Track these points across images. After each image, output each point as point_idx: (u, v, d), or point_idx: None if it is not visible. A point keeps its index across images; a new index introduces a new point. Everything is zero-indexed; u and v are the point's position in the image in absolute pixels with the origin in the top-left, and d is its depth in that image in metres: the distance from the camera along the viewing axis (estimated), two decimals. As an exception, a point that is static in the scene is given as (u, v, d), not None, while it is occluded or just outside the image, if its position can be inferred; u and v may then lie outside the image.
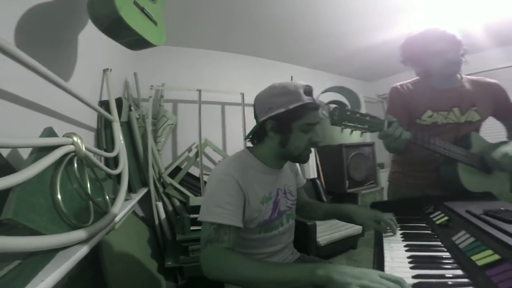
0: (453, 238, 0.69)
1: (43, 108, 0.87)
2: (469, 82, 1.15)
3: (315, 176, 2.82)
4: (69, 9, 1.03)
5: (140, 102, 2.25)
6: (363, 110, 3.06)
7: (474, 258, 0.57)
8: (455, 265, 0.60)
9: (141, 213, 2.05)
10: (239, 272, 0.61)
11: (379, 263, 0.64)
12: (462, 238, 0.66)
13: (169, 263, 1.62)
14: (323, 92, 3.10)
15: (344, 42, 2.78)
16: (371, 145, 2.93)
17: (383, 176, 3.14)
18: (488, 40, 2.65)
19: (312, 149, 0.87)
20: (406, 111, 1.16)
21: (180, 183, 2.35)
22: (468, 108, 1.10)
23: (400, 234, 0.82)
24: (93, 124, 1.47)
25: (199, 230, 1.68)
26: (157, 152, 2.29)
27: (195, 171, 2.55)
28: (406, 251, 0.70)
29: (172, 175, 2.37)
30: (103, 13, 0.84)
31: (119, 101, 1.65)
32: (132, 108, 1.99)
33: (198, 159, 2.47)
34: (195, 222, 1.68)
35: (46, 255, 0.57)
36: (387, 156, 3.54)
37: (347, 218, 0.96)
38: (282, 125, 0.79)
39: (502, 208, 0.74)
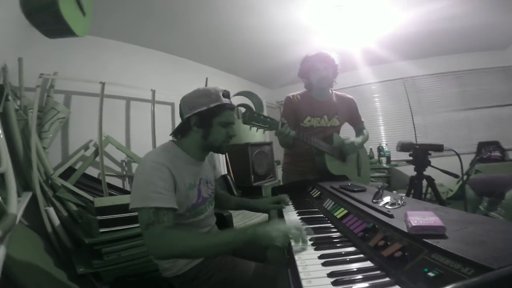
0: (324, 204, 1.04)
1: None
2: (335, 96, 1.64)
3: (225, 172, 3.05)
4: None
5: (22, 92, 1.86)
6: (265, 114, 3.53)
7: (335, 214, 0.90)
8: (326, 220, 0.93)
9: (25, 222, 1.69)
10: (185, 244, 0.73)
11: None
12: (328, 203, 1.01)
13: (81, 269, 1.46)
14: (234, 95, 3.39)
15: (259, 52, 3.17)
16: (270, 144, 3.43)
17: (280, 171, 3.72)
18: (362, 60, 3.56)
19: (230, 142, 1.06)
20: (294, 116, 1.54)
21: (74, 185, 2.05)
22: (332, 116, 1.57)
23: (293, 206, 1.14)
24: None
25: (109, 232, 1.61)
26: (42, 150, 1.93)
27: (92, 171, 2.29)
28: (298, 215, 1.00)
29: (64, 176, 2.04)
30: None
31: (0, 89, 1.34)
32: (10, 97, 1.62)
33: (98, 158, 2.23)
34: (104, 224, 1.56)
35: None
36: (282, 154, 4.18)
37: (254, 208, 1.25)
38: (203, 120, 0.94)
39: (349, 184, 1.16)
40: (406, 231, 0.59)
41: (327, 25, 2.65)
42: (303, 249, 0.69)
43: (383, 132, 4.12)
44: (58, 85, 2.17)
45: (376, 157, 3.76)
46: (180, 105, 0.98)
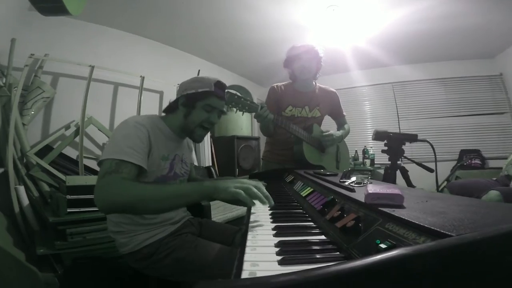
0: (294, 187, 1.04)
1: None
2: (318, 88, 1.65)
3: (210, 164, 3.03)
4: None
5: (10, 70, 1.85)
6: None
7: (301, 193, 0.90)
8: (292, 199, 0.93)
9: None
10: (133, 193, 0.67)
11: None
12: (298, 185, 1.02)
13: (42, 250, 1.40)
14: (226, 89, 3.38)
15: (253, 48, 3.18)
16: (257, 139, 3.43)
17: (266, 168, 3.71)
18: (354, 62, 3.53)
19: (208, 132, 1.08)
20: (276, 105, 1.56)
21: (50, 164, 2.00)
22: (314, 107, 1.58)
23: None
24: None
25: (77, 212, 1.56)
26: (22, 126, 1.88)
27: (70, 152, 2.24)
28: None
29: (41, 155, 1.99)
30: None
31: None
32: (-4, 74, 1.60)
33: (77, 138, 2.18)
34: (73, 203, 1.51)
35: None
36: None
37: None
38: (189, 101, 0.99)
39: (322, 171, 1.15)
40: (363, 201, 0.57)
41: (320, 24, 2.68)
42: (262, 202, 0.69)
43: (370, 135, 4.15)
44: (47, 66, 2.16)
45: (360, 159, 3.79)
46: (178, 88, 1.07)
